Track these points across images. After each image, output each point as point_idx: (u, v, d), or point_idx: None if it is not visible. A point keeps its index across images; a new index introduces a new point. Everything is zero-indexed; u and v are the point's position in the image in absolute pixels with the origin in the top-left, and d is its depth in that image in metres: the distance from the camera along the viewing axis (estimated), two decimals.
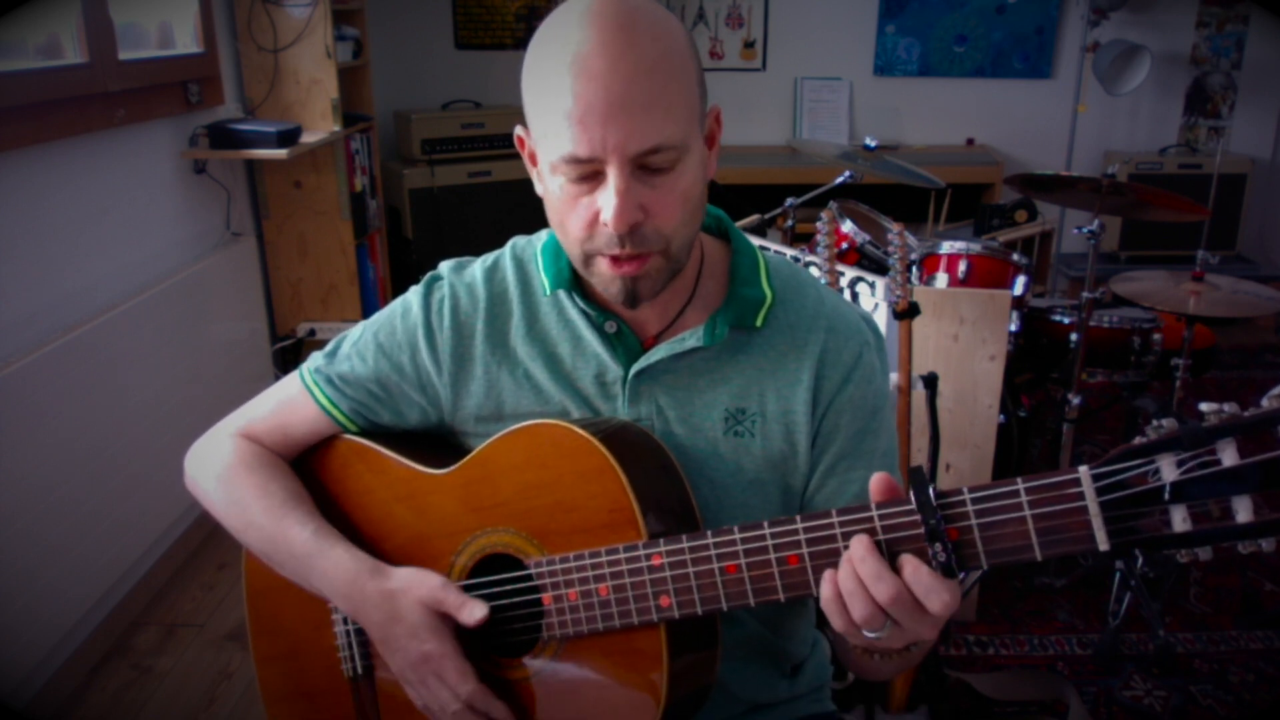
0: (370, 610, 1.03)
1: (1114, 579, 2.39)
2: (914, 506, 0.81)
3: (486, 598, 1.03)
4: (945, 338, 2.33)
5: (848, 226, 2.68)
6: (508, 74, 3.63)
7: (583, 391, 1.06)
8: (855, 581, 0.82)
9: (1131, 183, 2.48)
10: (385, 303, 1.40)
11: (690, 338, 1.03)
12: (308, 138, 3.21)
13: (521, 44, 4.62)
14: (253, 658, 1.21)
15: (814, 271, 2.05)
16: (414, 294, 1.11)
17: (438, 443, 1.13)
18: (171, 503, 2.65)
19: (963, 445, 2.37)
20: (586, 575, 0.96)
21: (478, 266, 1.11)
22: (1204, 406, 0.73)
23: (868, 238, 2.67)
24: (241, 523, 1.11)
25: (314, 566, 1.06)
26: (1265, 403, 0.71)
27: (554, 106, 0.89)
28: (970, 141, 4.87)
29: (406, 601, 1.01)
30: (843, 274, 2.36)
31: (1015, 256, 2.65)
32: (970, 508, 0.80)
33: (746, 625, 1.09)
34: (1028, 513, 0.78)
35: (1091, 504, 0.76)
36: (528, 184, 1.03)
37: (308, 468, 1.15)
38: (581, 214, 0.93)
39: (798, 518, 0.87)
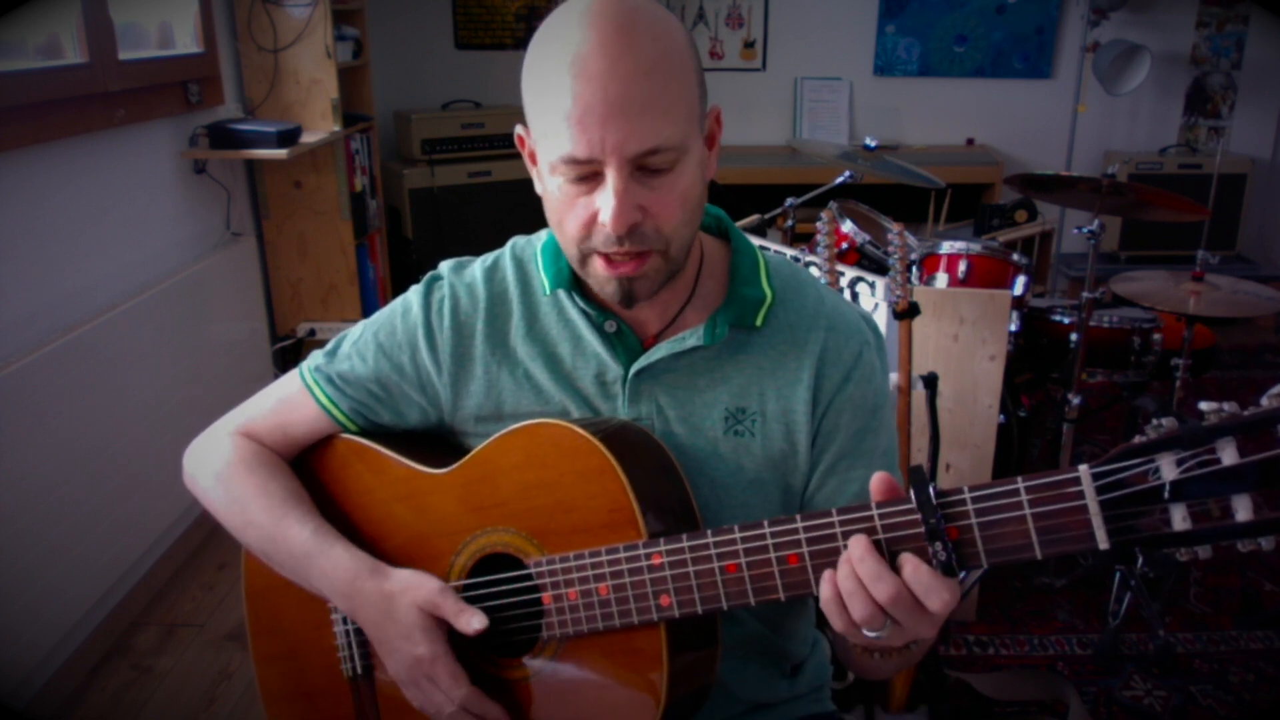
0: (368, 610, 1.03)
1: (1114, 579, 2.39)
2: (914, 505, 0.81)
3: (486, 597, 1.03)
4: (945, 338, 2.33)
5: (848, 226, 2.68)
6: (508, 74, 3.63)
7: (583, 391, 1.06)
8: (854, 581, 0.82)
9: (1131, 183, 2.48)
10: (385, 303, 1.40)
11: (690, 337, 1.03)
12: (308, 138, 3.21)
13: (521, 44, 4.63)
14: (252, 658, 1.21)
15: (814, 271, 2.05)
16: (414, 294, 1.11)
17: (437, 442, 1.13)
18: (171, 503, 2.65)
19: (963, 445, 2.37)
20: (586, 575, 0.96)
21: (478, 266, 1.11)
22: (1204, 405, 0.73)
23: (868, 238, 2.67)
24: (241, 521, 1.11)
25: (313, 565, 1.06)
26: (1265, 402, 0.71)
27: (553, 107, 0.89)
28: (970, 141, 4.87)
29: (403, 603, 1.01)
30: (843, 274, 2.36)
31: (1015, 256, 2.65)
32: (970, 507, 0.80)
33: (746, 625, 1.09)
34: (1028, 512, 0.78)
35: (1091, 503, 0.76)
36: (528, 184, 1.03)
37: (307, 467, 1.15)
38: (580, 214, 0.93)
39: (798, 517, 0.87)
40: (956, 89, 4.83)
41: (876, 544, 0.82)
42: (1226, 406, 0.73)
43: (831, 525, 0.86)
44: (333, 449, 1.14)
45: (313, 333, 3.54)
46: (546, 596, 0.99)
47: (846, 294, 2.35)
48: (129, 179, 2.70)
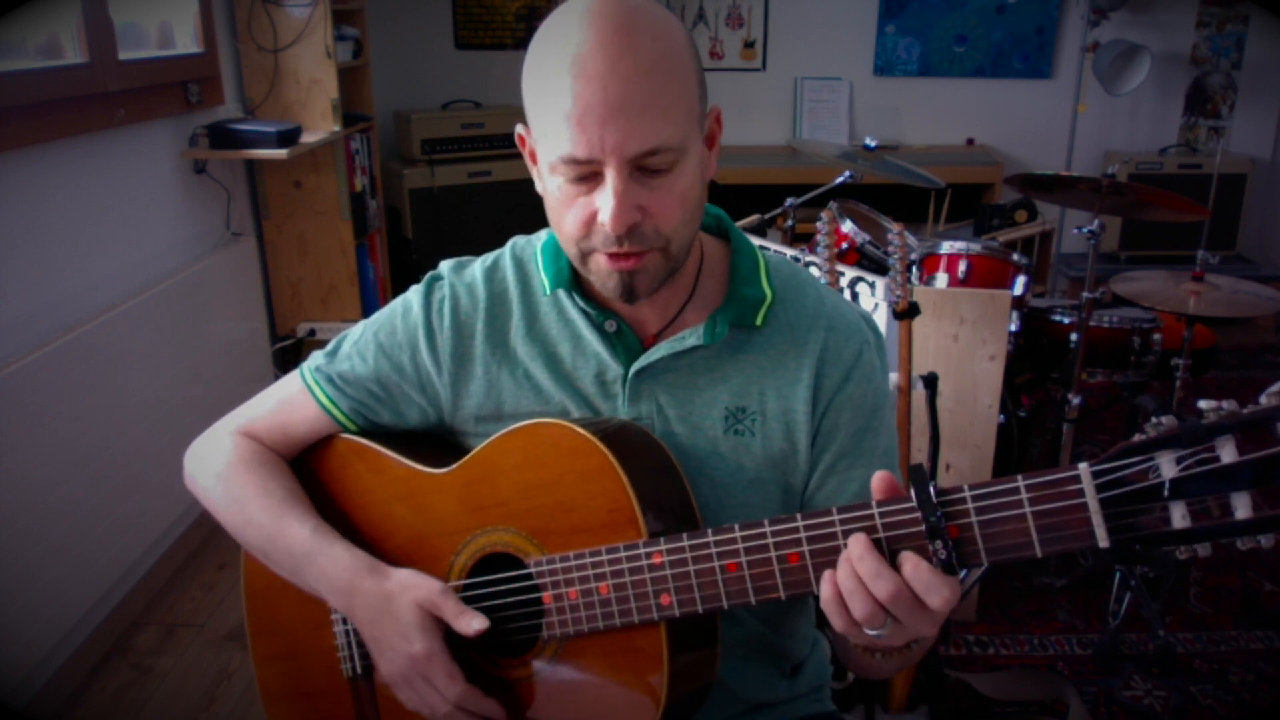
0: (365, 608, 1.03)
1: (1114, 579, 2.39)
2: (914, 504, 0.81)
3: (486, 597, 1.03)
4: (945, 338, 2.33)
5: (848, 226, 2.68)
6: (508, 74, 3.63)
7: (583, 391, 1.06)
8: (855, 580, 0.82)
9: (1131, 183, 2.48)
10: (385, 303, 1.40)
11: (690, 336, 1.03)
12: (308, 138, 3.21)
13: (521, 44, 4.63)
14: (252, 658, 1.21)
15: (814, 271, 2.05)
16: (414, 294, 1.11)
17: (437, 442, 1.13)
18: (171, 503, 2.65)
19: (963, 445, 2.37)
20: (587, 574, 0.96)
21: (478, 266, 1.11)
22: (1203, 404, 0.73)
23: (868, 238, 2.67)
24: (240, 520, 1.11)
25: (312, 563, 1.06)
26: (1264, 400, 0.71)
27: (553, 107, 0.89)
28: (970, 141, 4.87)
29: (402, 601, 1.01)
30: (843, 274, 2.36)
31: (1015, 256, 2.65)
32: (971, 505, 0.80)
33: (746, 624, 1.09)
34: (1028, 510, 0.78)
35: (1091, 501, 0.76)
36: (528, 184, 1.03)
37: (307, 467, 1.15)
38: (579, 213, 0.93)
39: (798, 516, 0.87)
40: (956, 89, 4.83)
41: (877, 543, 0.82)
42: (1226, 405, 0.73)
43: (832, 524, 0.86)
44: (333, 449, 1.14)
45: (313, 333, 3.54)
46: (547, 596, 0.99)
47: (846, 294, 2.35)
48: (129, 179, 2.70)
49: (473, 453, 1.05)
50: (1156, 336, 2.66)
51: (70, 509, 2.26)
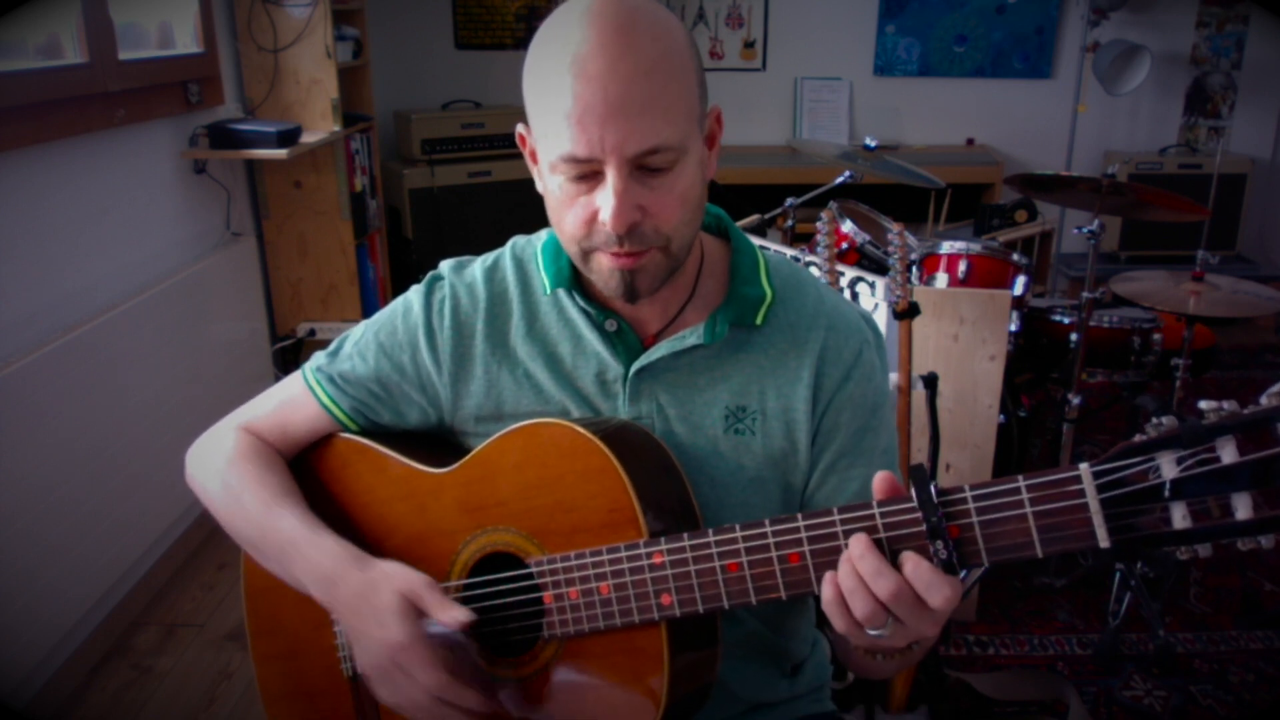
0: (346, 596, 1.00)
1: (1114, 579, 2.39)
2: (915, 504, 0.81)
3: (487, 596, 1.03)
4: (945, 338, 2.33)
5: (848, 226, 2.68)
6: (508, 74, 3.64)
7: (583, 390, 1.06)
8: (855, 579, 0.82)
9: (1131, 183, 2.48)
10: (385, 303, 1.40)
11: (691, 336, 1.03)
12: (308, 138, 3.21)
13: (521, 44, 4.63)
14: (252, 658, 1.20)
15: (814, 271, 2.05)
16: (415, 293, 1.11)
17: (438, 442, 1.13)
18: (171, 503, 2.65)
19: (963, 445, 2.37)
20: (588, 574, 0.96)
21: (478, 266, 1.11)
22: (1203, 404, 0.73)
23: (868, 238, 2.67)
24: (235, 512, 1.10)
25: (299, 552, 1.04)
26: (1264, 400, 0.71)
27: (553, 106, 0.89)
28: (970, 141, 4.87)
29: (384, 590, 0.98)
30: (843, 274, 2.36)
31: (1015, 256, 2.65)
32: (971, 505, 0.80)
33: (747, 624, 1.09)
34: (1029, 510, 0.78)
35: (1092, 501, 0.76)
36: (528, 184, 1.03)
37: (308, 466, 1.15)
38: (579, 212, 0.93)
39: (799, 516, 0.87)
40: (956, 89, 4.83)
41: (878, 542, 0.82)
42: (1226, 405, 0.73)
43: (833, 524, 0.86)
44: (333, 448, 1.14)
45: (313, 333, 3.54)
46: (547, 596, 0.98)
47: (846, 294, 2.35)
48: (129, 179, 2.70)
49: (473, 452, 1.04)
50: (1156, 336, 2.66)
51: (70, 509, 2.26)
